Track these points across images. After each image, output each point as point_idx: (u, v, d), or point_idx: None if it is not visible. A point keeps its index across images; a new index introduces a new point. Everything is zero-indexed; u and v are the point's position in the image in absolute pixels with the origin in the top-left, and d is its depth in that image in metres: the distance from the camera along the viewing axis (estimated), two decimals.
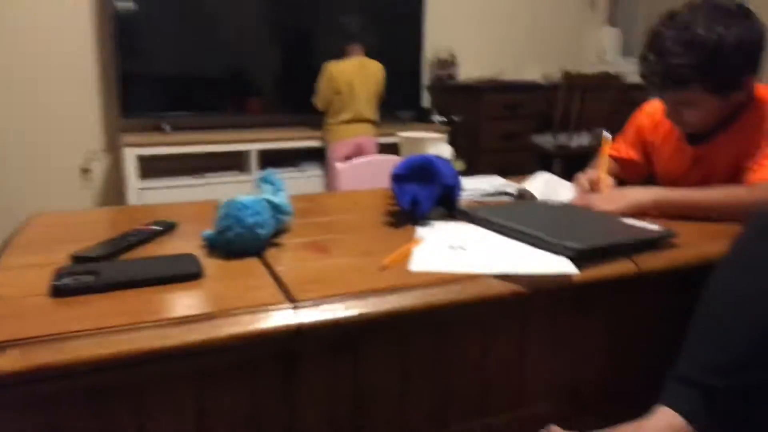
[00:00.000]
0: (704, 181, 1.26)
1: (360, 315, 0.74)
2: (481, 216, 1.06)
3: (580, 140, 3.47)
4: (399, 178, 1.11)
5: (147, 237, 0.96)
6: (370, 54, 3.18)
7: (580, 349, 0.95)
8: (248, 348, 0.70)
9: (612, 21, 4.20)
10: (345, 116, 3.09)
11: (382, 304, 0.75)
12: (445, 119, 3.60)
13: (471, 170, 3.52)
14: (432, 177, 1.09)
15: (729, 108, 1.20)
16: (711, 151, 1.26)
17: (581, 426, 0.85)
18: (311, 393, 0.77)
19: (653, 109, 1.40)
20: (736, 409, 0.82)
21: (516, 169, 2.55)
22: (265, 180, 1.05)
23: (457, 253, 0.90)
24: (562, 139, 3.46)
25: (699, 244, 0.98)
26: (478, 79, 3.70)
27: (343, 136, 3.10)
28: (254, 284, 0.79)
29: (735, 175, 1.20)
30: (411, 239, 0.97)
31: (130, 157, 2.96)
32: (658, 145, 1.39)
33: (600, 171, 1.28)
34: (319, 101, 3.14)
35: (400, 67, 3.55)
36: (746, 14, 1.13)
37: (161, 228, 1.01)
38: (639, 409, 0.84)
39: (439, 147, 1.23)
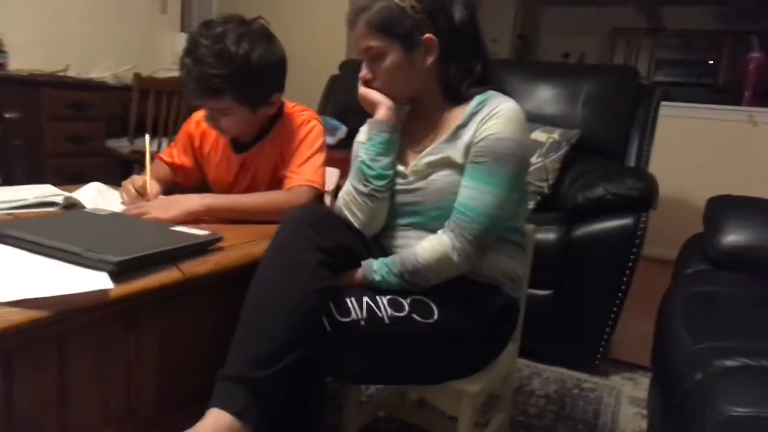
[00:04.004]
0: (252, 187, 1.37)
1: None
2: (6, 232, 0.89)
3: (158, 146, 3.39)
4: None
5: None
6: None
7: (133, 368, 0.89)
8: None
9: (185, 27, 4.25)
10: None
11: None
12: None
13: (36, 178, 3.01)
14: None
15: (262, 120, 1.33)
16: (254, 159, 1.38)
17: None
18: None
19: (202, 116, 1.44)
20: (279, 394, 0.90)
21: (91, 176, 2.30)
22: None
23: None
24: (140, 144, 3.31)
25: (245, 245, 1.05)
26: (34, 71, 3.20)
27: None
28: None
29: (277, 181, 1.35)
30: None
31: None
32: (208, 152, 1.44)
33: (145, 176, 1.25)
34: None
35: None
36: (269, 37, 1.27)
37: None
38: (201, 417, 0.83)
39: None
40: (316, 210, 1.07)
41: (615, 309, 1.91)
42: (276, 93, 1.29)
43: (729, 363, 1.04)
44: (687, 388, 1.03)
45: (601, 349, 1.95)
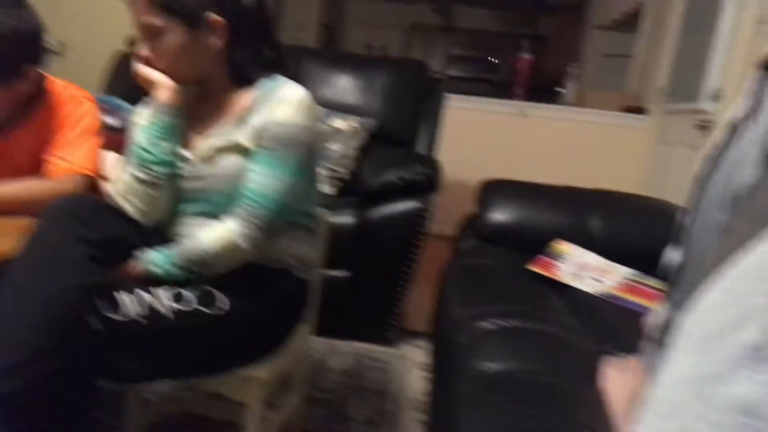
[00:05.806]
0: (11, 177, 1.21)
1: None
2: None
3: None
4: None
5: None
6: None
7: None
8: None
9: None
10: None
11: None
12: None
13: None
14: None
15: (18, 97, 1.19)
16: (11, 145, 1.23)
17: None
18: None
19: None
20: (37, 406, 0.82)
21: None
22: None
23: None
24: None
25: None
26: None
27: None
28: None
29: (41, 167, 1.21)
30: None
31: None
32: None
33: None
34: None
35: None
36: (19, 4, 1.13)
37: None
38: None
39: None
40: (81, 199, 0.99)
41: (404, 283, 2.07)
42: (30, 65, 1.15)
43: (487, 326, 1.19)
44: (452, 350, 1.16)
45: (392, 322, 2.11)
